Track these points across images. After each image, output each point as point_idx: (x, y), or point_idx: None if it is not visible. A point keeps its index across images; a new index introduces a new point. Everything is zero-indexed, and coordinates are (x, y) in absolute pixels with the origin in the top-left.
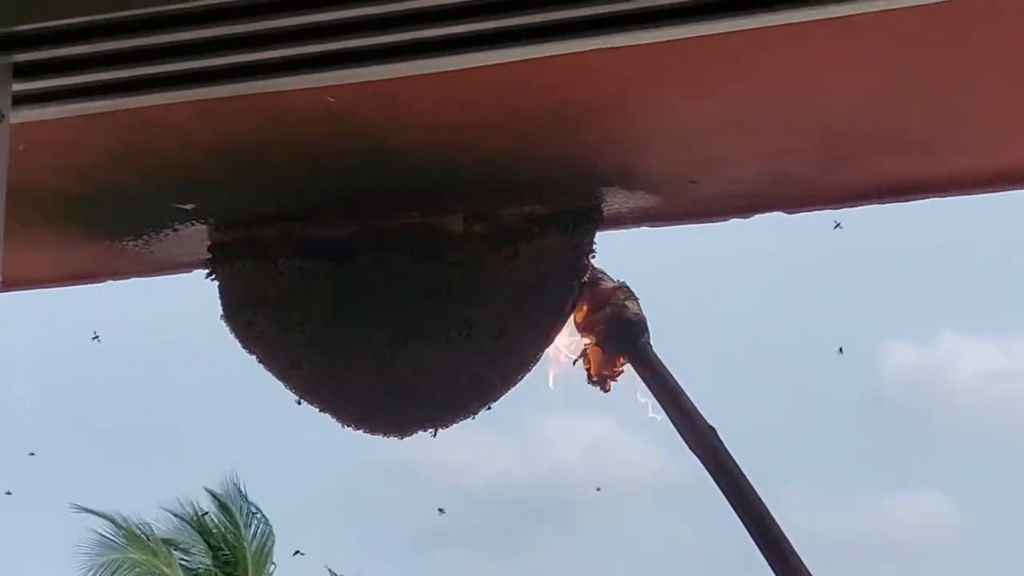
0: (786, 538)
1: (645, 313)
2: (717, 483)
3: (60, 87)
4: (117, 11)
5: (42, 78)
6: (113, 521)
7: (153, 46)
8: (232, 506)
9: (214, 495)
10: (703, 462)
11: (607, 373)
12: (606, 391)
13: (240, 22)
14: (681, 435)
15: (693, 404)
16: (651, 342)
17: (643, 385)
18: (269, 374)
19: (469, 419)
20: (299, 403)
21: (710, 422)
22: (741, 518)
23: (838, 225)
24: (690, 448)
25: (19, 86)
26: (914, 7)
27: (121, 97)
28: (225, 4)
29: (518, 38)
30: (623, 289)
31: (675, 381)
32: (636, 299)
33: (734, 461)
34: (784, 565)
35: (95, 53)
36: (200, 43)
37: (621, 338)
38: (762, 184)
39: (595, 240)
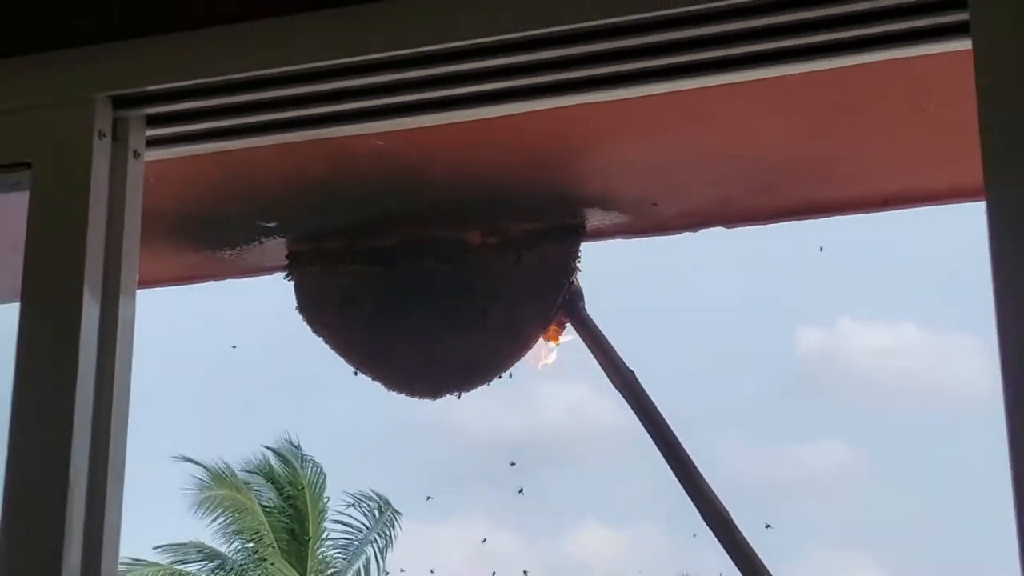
0: (690, 458)
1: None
2: (637, 416)
3: (180, 133)
4: (221, 76)
5: (167, 126)
6: (206, 468)
7: (248, 102)
8: (292, 457)
9: (275, 450)
10: (624, 397)
11: (555, 330)
12: (555, 344)
13: (311, 84)
14: (608, 377)
15: (618, 354)
16: (586, 308)
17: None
18: (333, 352)
19: (484, 386)
20: (356, 374)
21: (647, 379)
22: (659, 447)
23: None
24: (614, 386)
25: (150, 132)
26: (821, 71)
27: (223, 141)
28: (301, 70)
29: (522, 95)
30: None
31: (604, 337)
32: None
33: (648, 397)
34: (691, 482)
35: (205, 107)
36: (283, 99)
37: (565, 304)
38: (707, 206)
39: (580, 249)
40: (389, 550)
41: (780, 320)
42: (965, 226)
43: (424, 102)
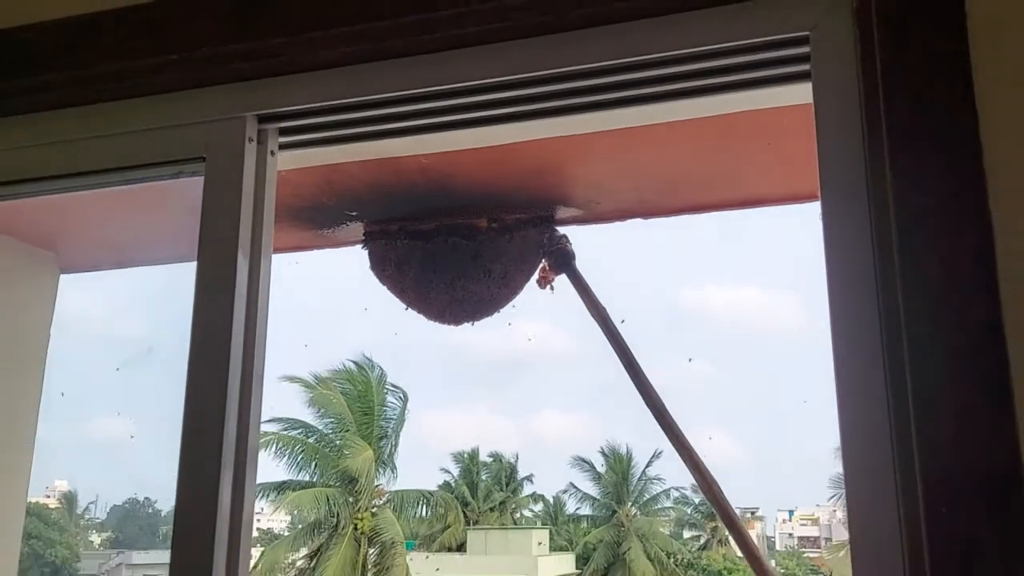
0: (640, 366)
1: (576, 251)
2: (608, 341)
3: (302, 140)
4: (328, 101)
5: (294, 135)
6: (302, 380)
7: (347, 120)
8: (366, 365)
9: (355, 362)
10: (600, 325)
11: (549, 279)
12: (542, 288)
13: (386, 107)
14: (590, 312)
15: (596, 296)
16: (577, 265)
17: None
18: (392, 295)
19: (488, 318)
20: (406, 309)
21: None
22: (622, 361)
23: None
24: (594, 318)
25: (283, 139)
26: (704, 117)
27: (331, 145)
28: (381, 98)
29: (513, 119)
30: (565, 236)
31: (588, 284)
32: (570, 242)
33: (617, 330)
34: (640, 381)
35: (318, 123)
36: (371, 118)
37: (562, 261)
38: (631, 204)
39: (547, 231)
40: (406, 421)
41: (670, 282)
42: (791, 222)
43: (452, 123)
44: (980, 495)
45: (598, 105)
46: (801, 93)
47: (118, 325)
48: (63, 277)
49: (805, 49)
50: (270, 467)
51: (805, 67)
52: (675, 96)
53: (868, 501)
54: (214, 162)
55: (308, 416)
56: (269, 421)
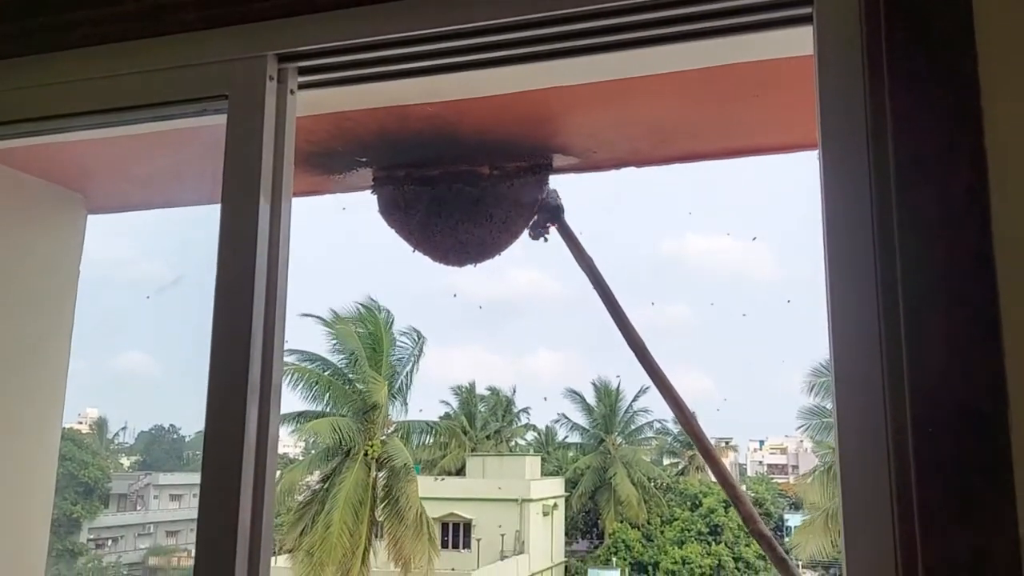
0: (622, 309)
1: (564, 203)
2: (594, 286)
3: (320, 79)
4: (344, 41)
5: (312, 74)
6: (322, 318)
7: (362, 60)
8: (372, 307)
9: (363, 304)
10: (587, 274)
11: (542, 231)
12: (535, 240)
13: (399, 47)
14: (576, 261)
15: (583, 246)
16: (566, 217)
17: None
18: (400, 238)
19: (489, 260)
20: (413, 251)
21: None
22: (607, 307)
23: None
24: (580, 267)
25: (301, 78)
26: (693, 70)
27: (347, 85)
28: (393, 39)
29: (517, 61)
30: (555, 191)
31: (575, 235)
32: (559, 196)
33: (602, 275)
34: (623, 323)
35: (335, 63)
36: (385, 58)
37: (552, 213)
38: (625, 153)
39: (549, 178)
40: (420, 361)
41: (652, 231)
42: (764, 174)
43: (460, 63)
44: (966, 416)
45: (605, 47)
46: (795, 42)
47: (147, 265)
48: (90, 217)
49: None
50: (288, 397)
51: (807, 10)
52: (682, 38)
53: (858, 424)
54: (237, 99)
55: (323, 351)
56: (288, 352)
